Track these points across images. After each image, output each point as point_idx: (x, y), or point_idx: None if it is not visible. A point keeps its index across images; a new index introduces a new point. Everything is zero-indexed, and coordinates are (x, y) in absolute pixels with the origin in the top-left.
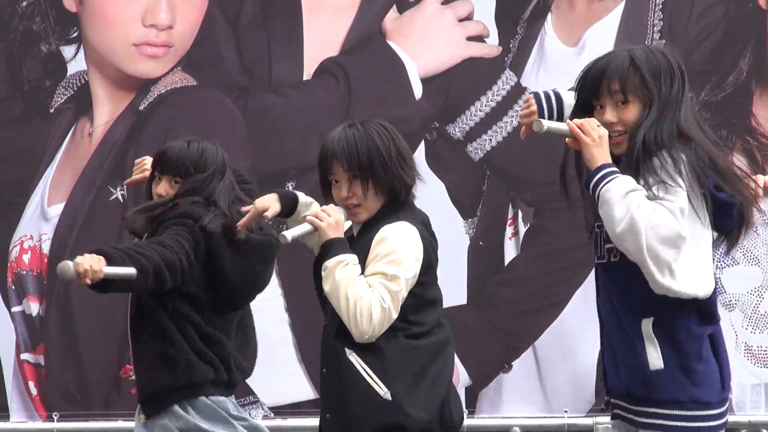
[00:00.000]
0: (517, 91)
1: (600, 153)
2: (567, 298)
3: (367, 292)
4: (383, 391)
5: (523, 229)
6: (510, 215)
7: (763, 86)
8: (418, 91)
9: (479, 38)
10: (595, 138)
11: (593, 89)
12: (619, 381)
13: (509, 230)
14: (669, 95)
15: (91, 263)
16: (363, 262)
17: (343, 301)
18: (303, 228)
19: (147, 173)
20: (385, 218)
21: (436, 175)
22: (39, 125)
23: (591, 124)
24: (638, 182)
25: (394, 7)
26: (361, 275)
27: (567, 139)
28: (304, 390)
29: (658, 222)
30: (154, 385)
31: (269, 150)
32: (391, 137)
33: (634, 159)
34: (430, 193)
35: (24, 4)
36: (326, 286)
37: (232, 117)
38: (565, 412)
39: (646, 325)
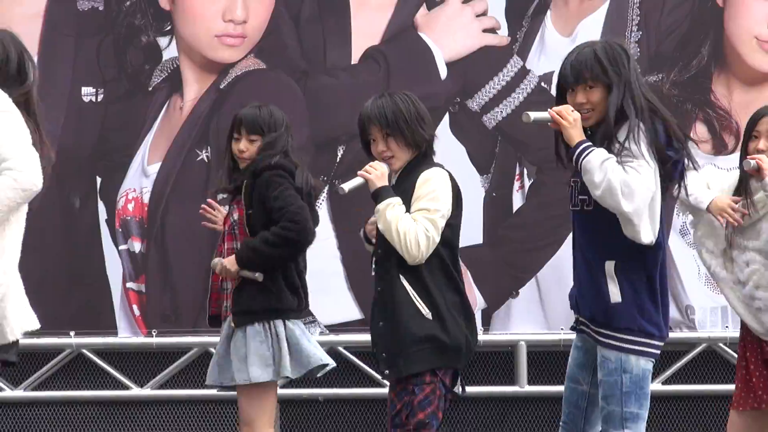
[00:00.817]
0: (523, 72)
1: (576, 132)
2: (562, 238)
3: (412, 225)
4: (426, 311)
5: (527, 183)
6: (517, 172)
7: (720, 68)
8: (443, 72)
9: (492, 30)
10: (571, 121)
11: (568, 77)
12: (586, 308)
13: (516, 184)
14: (626, 75)
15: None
16: (406, 202)
17: (395, 234)
18: (356, 181)
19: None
20: (419, 166)
21: (458, 140)
22: (140, 101)
23: (567, 110)
24: (613, 146)
25: (424, 5)
26: (406, 212)
27: (550, 123)
28: (352, 312)
29: (629, 180)
30: (248, 304)
31: (324, 121)
32: (411, 102)
33: (610, 128)
34: (454, 154)
35: (128, 3)
36: (380, 224)
37: (294, 94)
38: (561, 329)
39: (609, 266)
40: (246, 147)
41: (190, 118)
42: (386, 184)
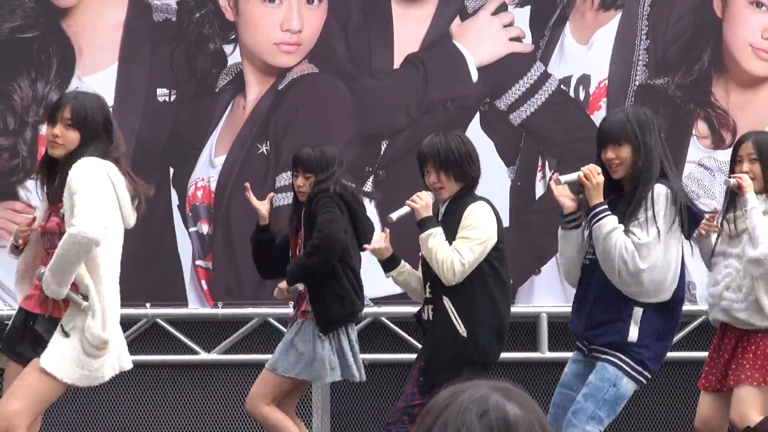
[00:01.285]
0: (545, 76)
1: (596, 195)
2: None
3: (450, 254)
4: (462, 329)
5: (548, 173)
6: (539, 164)
7: (719, 73)
8: (474, 76)
9: (518, 39)
10: (594, 184)
11: (601, 136)
12: (601, 338)
13: (538, 175)
14: (650, 142)
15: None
16: (452, 231)
17: (434, 262)
18: (403, 210)
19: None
20: (464, 199)
21: (487, 135)
22: (208, 101)
23: (593, 172)
24: (630, 211)
25: (458, 17)
26: (446, 241)
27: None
28: (394, 287)
29: (626, 257)
30: (328, 314)
31: (369, 119)
32: (462, 143)
33: (633, 194)
34: (484, 148)
35: (197, 15)
36: (423, 251)
37: (343, 95)
38: None
39: (637, 312)
40: (302, 183)
41: (252, 116)
42: (430, 214)
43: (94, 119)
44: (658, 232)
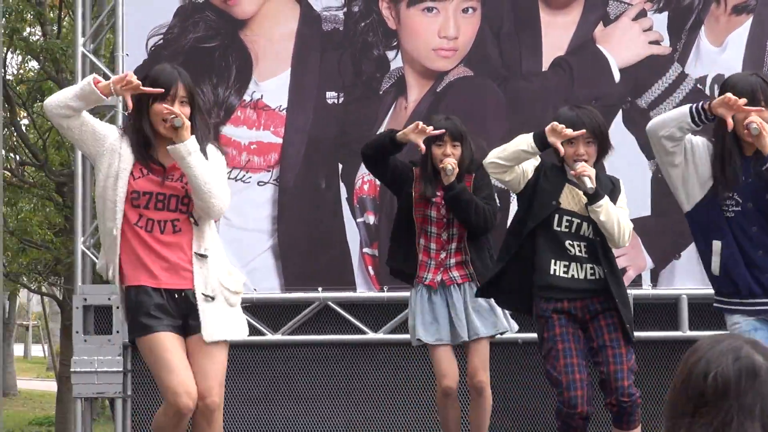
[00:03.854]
0: (682, 76)
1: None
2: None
3: (625, 222)
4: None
5: None
6: None
7: None
8: (617, 77)
9: (657, 42)
10: None
11: (745, 96)
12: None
13: None
14: None
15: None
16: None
17: (616, 226)
18: (588, 181)
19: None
20: (603, 174)
21: (629, 131)
22: (373, 102)
23: (763, 123)
24: None
25: (601, 23)
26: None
27: (746, 131)
28: None
29: None
30: (487, 272)
31: (520, 117)
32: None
33: None
34: (626, 143)
35: (362, 24)
36: (602, 216)
37: (497, 96)
38: None
39: None
40: (452, 152)
41: (413, 116)
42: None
43: (196, 95)
44: None
